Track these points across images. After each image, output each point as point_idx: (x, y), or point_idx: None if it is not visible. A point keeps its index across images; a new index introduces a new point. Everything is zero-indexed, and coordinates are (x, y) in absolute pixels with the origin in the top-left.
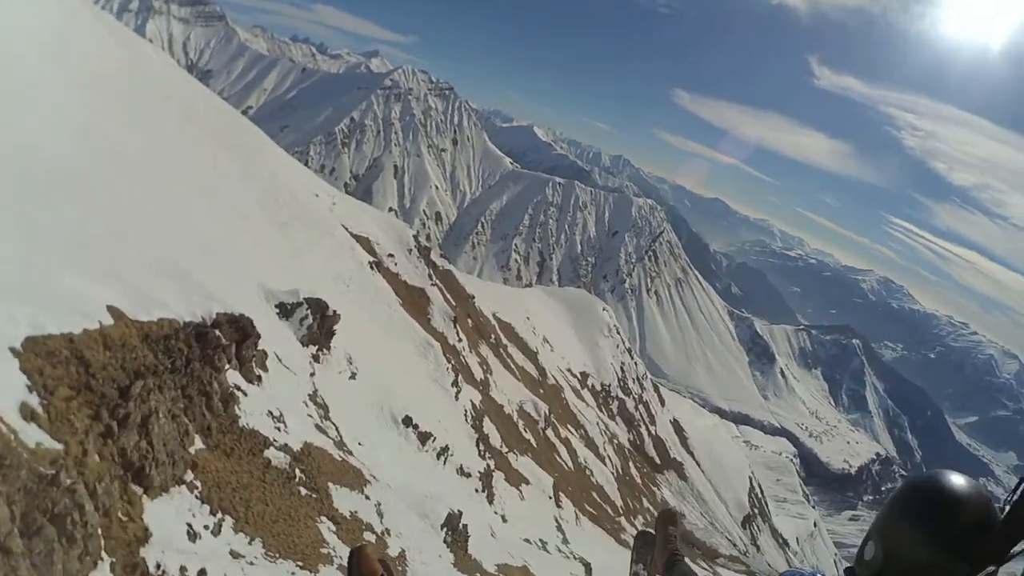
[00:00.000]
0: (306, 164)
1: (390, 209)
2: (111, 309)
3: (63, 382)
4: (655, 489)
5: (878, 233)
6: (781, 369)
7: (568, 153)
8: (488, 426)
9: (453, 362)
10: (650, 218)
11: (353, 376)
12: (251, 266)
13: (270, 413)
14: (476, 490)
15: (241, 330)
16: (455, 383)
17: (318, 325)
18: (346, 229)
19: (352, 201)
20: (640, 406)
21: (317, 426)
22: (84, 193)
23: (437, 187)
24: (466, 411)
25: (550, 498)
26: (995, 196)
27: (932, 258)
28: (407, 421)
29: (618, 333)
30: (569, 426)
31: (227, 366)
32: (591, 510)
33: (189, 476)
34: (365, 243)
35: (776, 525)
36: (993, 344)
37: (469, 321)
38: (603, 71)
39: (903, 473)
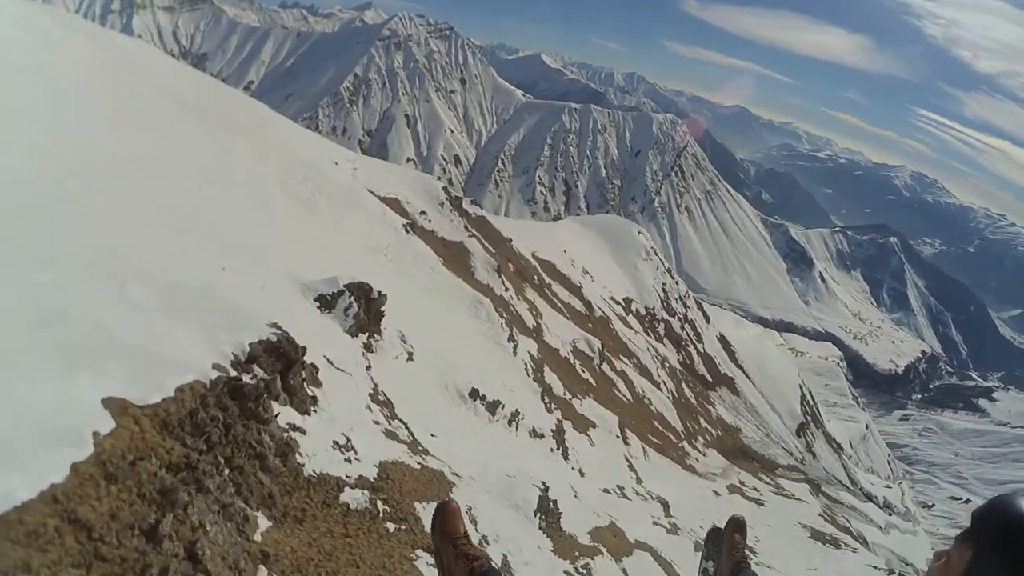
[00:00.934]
0: (316, 129)
1: (408, 159)
2: (109, 403)
3: (63, 565)
4: (710, 407)
5: (907, 127)
6: (820, 273)
7: (580, 77)
8: (549, 375)
9: (505, 315)
10: (672, 133)
11: (410, 357)
12: (280, 258)
13: (335, 443)
14: (551, 449)
15: (283, 356)
16: (511, 337)
17: (364, 310)
18: (373, 193)
19: (373, 161)
20: (686, 325)
21: (386, 432)
22: (55, 225)
23: (452, 130)
24: (526, 364)
25: (617, 437)
26: None
27: (964, 149)
28: (474, 394)
29: (656, 255)
30: (622, 356)
31: (274, 409)
32: (655, 440)
33: (263, 573)
34: (395, 205)
35: (829, 430)
36: None
37: (510, 266)
38: None
39: (950, 370)
